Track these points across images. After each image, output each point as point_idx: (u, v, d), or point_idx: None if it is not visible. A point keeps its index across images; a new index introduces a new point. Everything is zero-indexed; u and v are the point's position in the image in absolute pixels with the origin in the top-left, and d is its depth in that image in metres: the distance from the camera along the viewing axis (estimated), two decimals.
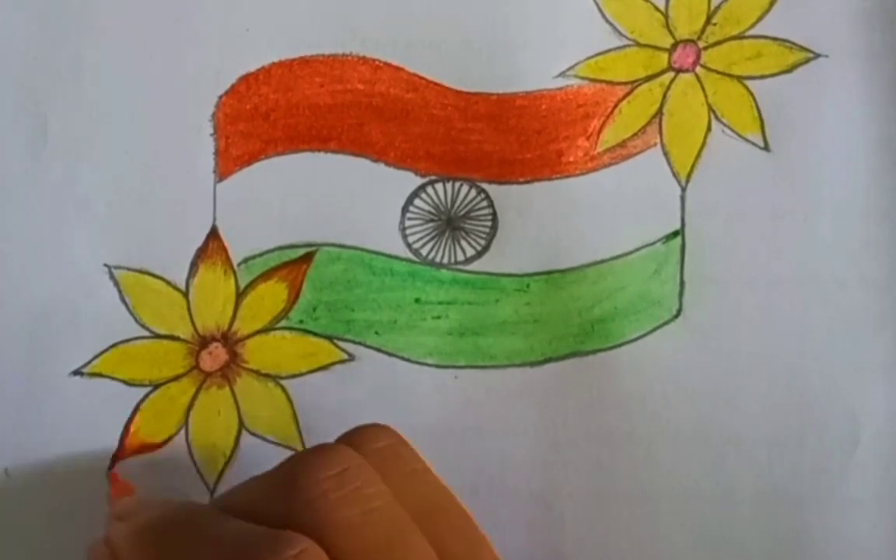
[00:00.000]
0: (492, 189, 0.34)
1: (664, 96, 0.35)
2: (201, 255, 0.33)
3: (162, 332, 0.33)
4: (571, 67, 0.34)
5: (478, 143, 0.34)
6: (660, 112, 0.35)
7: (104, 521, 0.31)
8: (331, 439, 0.33)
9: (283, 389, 0.33)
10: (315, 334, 0.33)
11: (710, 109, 0.35)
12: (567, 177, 0.34)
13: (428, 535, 0.26)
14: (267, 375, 0.33)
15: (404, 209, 0.34)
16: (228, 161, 0.33)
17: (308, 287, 0.33)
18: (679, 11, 0.35)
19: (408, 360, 0.34)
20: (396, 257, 0.34)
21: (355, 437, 0.28)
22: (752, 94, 0.35)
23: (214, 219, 0.33)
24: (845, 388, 0.35)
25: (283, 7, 0.33)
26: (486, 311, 0.34)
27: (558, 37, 0.34)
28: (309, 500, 0.25)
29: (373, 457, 0.27)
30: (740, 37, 0.35)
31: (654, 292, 0.34)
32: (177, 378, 0.33)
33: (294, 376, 0.33)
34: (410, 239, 0.34)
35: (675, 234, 0.34)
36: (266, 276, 0.33)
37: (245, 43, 0.33)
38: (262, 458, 0.33)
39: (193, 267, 0.33)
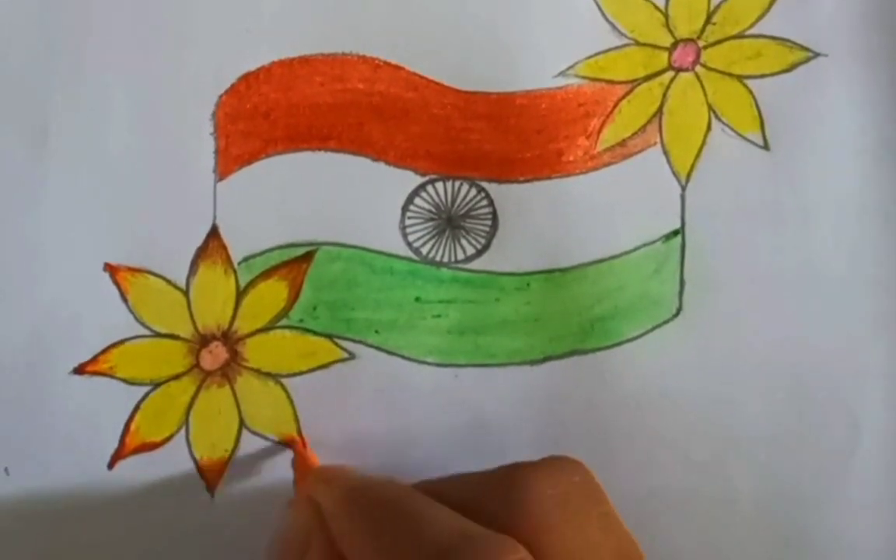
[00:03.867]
0: (492, 188, 0.34)
1: (664, 95, 0.35)
2: (201, 254, 0.33)
3: (162, 331, 0.33)
4: (571, 66, 0.34)
5: (478, 142, 0.34)
6: (660, 111, 0.35)
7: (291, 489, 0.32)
8: (332, 439, 0.33)
9: (284, 388, 0.33)
10: (315, 333, 0.33)
11: (710, 109, 0.35)
12: (567, 176, 0.34)
13: None
14: (267, 374, 0.33)
15: (404, 208, 0.34)
16: (229, 160, 0.33)
17: (308, 286, 0.33)
18: (679, 10, 0.35)
19: (408, 358, 0.34)
20: (397, 256, 0.34)
21: (560, 464, 0.28)
22: (751, 93, 0.35)
23: (215, 218, 0.33)
24: (845, 388, 0.35)
25: (283, 6, 0.33)
26: (487, 309, 0.34)
27: (558, 36, 0.34)
28: (529, 513, 0.25)
29: (576, 488, 0.27)
30: (740, 36, 0.35)
31: (654, 291, 0.34)
32: (177, 377, 0.33)
33: (294, 375, 0.33)
34: (411, 238, 0.34)
35: (675, 233, 0.35)
36: (266, 274, 0.33)
37: (245, 42, 0.33)
38: (263, 456, 0.33)
39: (194, 266, 0.33)
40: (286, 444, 0.33)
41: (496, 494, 0.26)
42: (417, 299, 0.34)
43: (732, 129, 0.35)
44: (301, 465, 0.33)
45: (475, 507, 0.26)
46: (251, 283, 0.33)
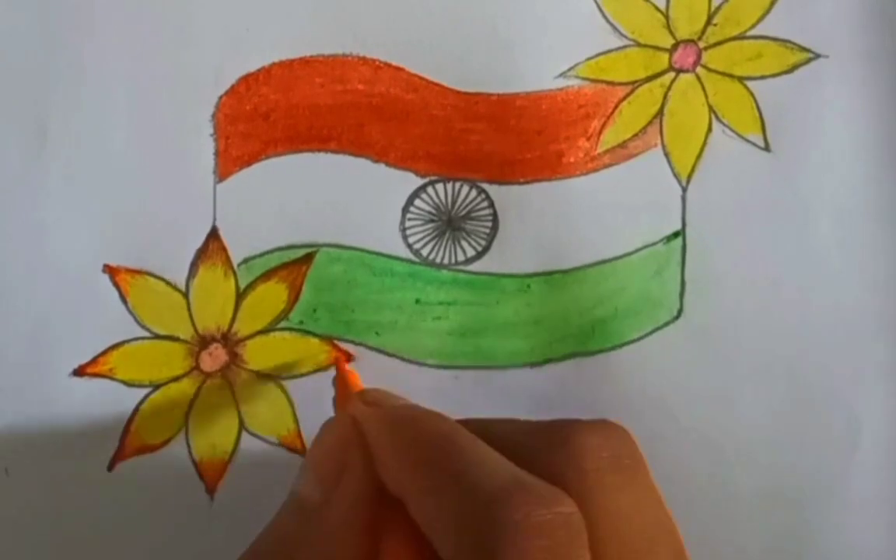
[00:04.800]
0: (492, 189, 0.34)
1: (665, 97, 0.35)
2: (201, 255, 0.33)
3: (162, 332, 0.33)
4: (572, 68, 0.34)
5: (478, 143, 0.34)
6: (660, 112, 0.35)
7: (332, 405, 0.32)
8: None
9: (284, 390, 0.33)
10: (315, 335, 0.33)
11: (711, 110, 0.35)
12: (567, 177, 0.34)
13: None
14: (267, 376, 0.33)
15: (404, 210, 0.34)
16: (228, 161, 0.33)
17: (308, 288, 0.33)
18: (680, 12, 0.35)
19: (408, 360, 0.34)
20: (397, 258, 0.34)
21: (615, 426, 0.27)
22: (752, 94, 0.35)
23: (214, 219, 0.33)
24: (845, 389, 0.35)
25: (283, 7, 0.33)
26: (487, 311, 0.34)
27: (559, 37, 0.34)
28: (583, 469, 0.25)
29: (629, 452, 0.26)
30: (741, 37, 0.35)
31: (655, 293, 0.34)
32: (177, 379, 0.33)
33: (294, 377, 0.33)
34: (411, 239, 0.34)
35: (675, 234, 0.34)
36: (266, 276, 0.33)
37: (245, 43, 0.33)
38: (263, 458, 0.33)
39: (193, 267, 0.33)
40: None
41: (550, 445, 0.25)
42: (418, 301, 0.34)
43: (733, 131, 0.35)
44: (342, 385, 0.32)
45: (526, 454, 0.25)
46: (251, 285, 0.33)
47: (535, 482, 0.24)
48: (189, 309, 0.33)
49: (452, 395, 0.34)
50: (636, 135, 0.35)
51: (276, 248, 0.33)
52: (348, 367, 0.33)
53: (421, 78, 0.34)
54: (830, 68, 0.35)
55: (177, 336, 0.33)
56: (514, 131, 0.34)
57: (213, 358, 0.33)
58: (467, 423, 0.27)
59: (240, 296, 0.33)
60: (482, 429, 0.26)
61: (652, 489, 0.26)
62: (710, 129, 0.35)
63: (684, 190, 0.35)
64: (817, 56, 0.35)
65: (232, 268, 0.33)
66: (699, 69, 0.35)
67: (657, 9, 0.35)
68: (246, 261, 0.33)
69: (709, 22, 0.35)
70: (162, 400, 0.33)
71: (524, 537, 0.22)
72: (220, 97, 0.33)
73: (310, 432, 0.33)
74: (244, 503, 0.33)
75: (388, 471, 0.26)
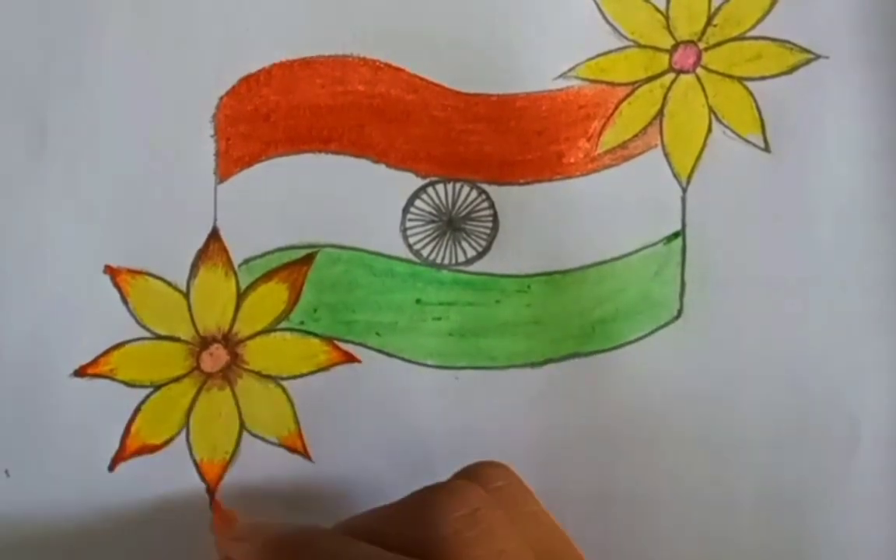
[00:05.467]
0: (492, 190, 0.34)
1: (665, 97, 0.35)
2: (202, 256, 0.33)
3: (163, 333, 0.33)
4: (572, 68, 0.34)
5: (478, 144, 0.34)
6: (660, 113, 0.35)
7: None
8: (332, 441, 0.33)
9: (284, 390, 0.33)
10: (316, 335, 0.33)
11: (711, 111, 0.35)
12: (568, 178, 0.34)
13: None
14: (268, 376, 0.33)
15: (405, 210, 0.34)
16: (229, 162, 0.33)
17: (309, 288, 0.33)
18: (679, 12, 0.35)
19: (409, 361, 0.34)
20: (397, 258, 0.34)
21: (478, 475, 0.28)
22: (752, 95, 0.35)
23: (215, 220, 0.33)
24: (845, 389, 0.35)
25: (283, 8, 0.33)
26: (487, 312, 0.34)
27: (559, 38, 0.34)
28: (443, 537, 0.26)
29: (495, 495, 0.27)
30: (741, 38, 0.35)
31: (655, 293, 0.34)
32: (178, 379, 0.33)
33: (295, 377, 0.33)
34: (411, 240, 0.34)
35: (675, 235, 0.34)
36: (267, 277, 0.33)
37: (245, 44, 0.33)
38: (263, 459, 0.33)
39: (194, 268, 0.33)
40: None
41: (408, 524, 0.26)
42: (418, 301, 0.34)
43: (733, 131, 0.35)
44: (220, 524, 0.32)
45: (391, 540, 0.26)
46: (252, 286, 0.33)
47: None
48: (190, 309, 0.33)
49: (452, 395, 0.34)
50: (636, 135, 0.35)
51: (277, 249, 0.33)
52: (223, 507, 0.33)
53: (421, 79, 0.34)
54: (830, 69, 0.35)
55: (177, 336, 0.33)
56: (514, 132, 0.34)
57: (214, 358, 0.33)
58: (340, 526, 0.28)
59: (240, 296, 0.33)
60: (355, 526, 0.28)
61: (533, 517, 0.28)
62: (710, 130, 0.35)
63: (684, 190, 0.35)
64: (817, 57, 0.35)
65: (233, 268, 0.33)
66: (699, 70, 0.35)
67: (657, 9, 0.35)
68: (247, 261, 0.33)
69: (709, 23, 0.35)
70: (163, 400, 0.33)
71: None
72: (221, 98, 0.33)
73: (310, 432, 0.33)
74: (245, 504, 0.33)
75: None
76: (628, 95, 0.35)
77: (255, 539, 0.29)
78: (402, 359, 0.34)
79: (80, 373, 0.32)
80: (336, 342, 0.33)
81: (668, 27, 0.35)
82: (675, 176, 0.35)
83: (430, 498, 0.27)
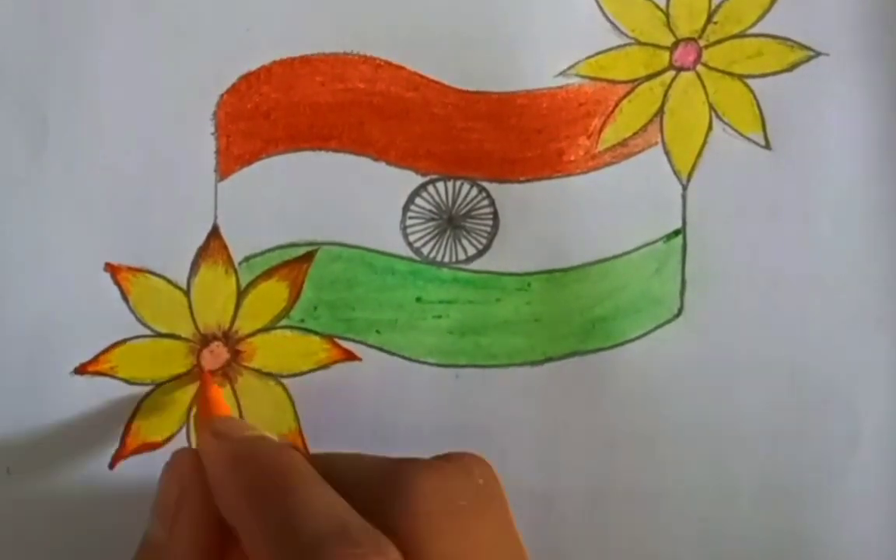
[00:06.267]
0: (493, 188, 0.34)
1: (665, 95, 0.35)
2: (202, 253, 0.33)
3: (163, 330, 0.33)
4: (572, 66, 0.34)
5: (479, 141, 0.34)
6: (661, 111, 0.35)
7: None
8: (332, 439, 0.33)
9: (284, 388, 0.33)
10: (316, 333, 0.33)
11: (711, 108, 0.35)
12: (568, 176, 0.34)
13: None
14: (268, 374, 0.33)
15: (405, 208, 0.34)
16: (229, 160, 0.33)
17: (309, 286, 0.33)
18: (680, 10, 0.35)
19: (409, 359, 0.34)
20: (397, 256, 0.34)
21: (462, 465, 0.27)
22: (752, 92, 0.35)
23: (215, 218, 0.33)
24: (845, 387, 0.35)
25: (283, 6, 0.33)
26: (487, 310, 0.34)
27: (559, 35, 0.34)
28: (414, 514, 0.25)
29: (475, 492, 0.26)
30: (741, 35, 0.35)
31: (656, 291, 0.34)
32: (178, 377, 0.33)
33: (295, 375, 0.33)
34: (411, 238, 0.34)
35: (676, 232, 0.35)
36: (267, 274, 0.33)
37: (246, 42, 0.33)
38: None
39: (195, 266, 0.33)
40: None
41: (386, 486, 0.26)
42: (418, 299, 0.34)
43: (734, 129, 0.35)
44: (204, 405, 0.32)
45: (364, 494, 0.25)
46: (252, 283, 0.33)
47: (358, 529, 0.24)
48: (190, 307, 0.33)
49: (453, 394, 0.34)
50: (636, 133, 0.35)
51: (277, 247, 0.33)
52: (215, 386, 0.33)
53: (421, 76, 0.34)
54: (831, 66, 0.35)
55: (178, 334, 0.33)
56: (514, 130, 0.34)
57: (215, 356, 0.33)
58: (315, 458, 0.27)
59: (241, 294, 0.33)
60: (328, 464, 0.27)
61: (502, 526, 0.27)
62: (710, 128, 0.35)
63: (685, 188, 0.35)
64: (818, 54, 0.35)
65: (233, 266, 0.33)
66: (699, 67, 0.35)
67: (657, 7, 0.35)
68: (247, 259, 0.33)
69: (709, 20, 0.35)
70: (163, 398, 0.33)
71: None
72: (221, 96, 0.33)
73: (310, 430, 0.33)
74: None
75: (224, 506, 0.27)
76: (629, 93, 0.35)
77: (229, 444, 0.28)
78: (403, 357, 0.34)
79: (81, 370, 0.32)
80: (336, 340, 0.33)
81: (668, 25, 0.35)
82: (676, 173, 0.35)
83: (410, 467, 0.26)
